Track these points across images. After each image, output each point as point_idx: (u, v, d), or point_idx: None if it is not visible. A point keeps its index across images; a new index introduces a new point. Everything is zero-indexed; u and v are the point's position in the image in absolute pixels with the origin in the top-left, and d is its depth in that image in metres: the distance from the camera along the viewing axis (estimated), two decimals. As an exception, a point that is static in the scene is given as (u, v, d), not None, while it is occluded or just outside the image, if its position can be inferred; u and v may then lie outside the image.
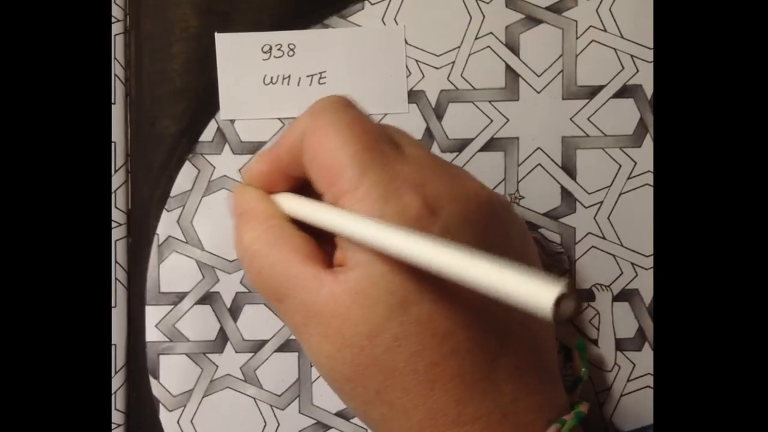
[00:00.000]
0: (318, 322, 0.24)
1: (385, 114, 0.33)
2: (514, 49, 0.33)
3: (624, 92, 0.33)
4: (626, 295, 0.33)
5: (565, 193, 0.33)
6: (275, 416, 0.33)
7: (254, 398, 0.33)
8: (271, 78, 0.33)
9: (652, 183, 0.33)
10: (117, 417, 0.33)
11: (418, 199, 0.23)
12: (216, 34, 0.33)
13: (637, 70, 0.32)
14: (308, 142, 0.25)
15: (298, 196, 0.27)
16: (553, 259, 0.33)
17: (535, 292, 0.18)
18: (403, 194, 0.23)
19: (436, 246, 0.21)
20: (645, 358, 0.33)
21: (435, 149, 0.33)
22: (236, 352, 0.33)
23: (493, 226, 0.25)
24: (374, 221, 0.23)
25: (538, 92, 0.33)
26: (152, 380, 0.33)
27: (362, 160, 0.24)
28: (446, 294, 0.23)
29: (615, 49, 0.32)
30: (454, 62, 0.33)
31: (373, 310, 0.23)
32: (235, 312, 0.33)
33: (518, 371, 0.24)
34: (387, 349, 0.23)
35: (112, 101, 0.33)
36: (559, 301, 0.17)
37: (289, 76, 0.33)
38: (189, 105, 0.33)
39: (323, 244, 0.25)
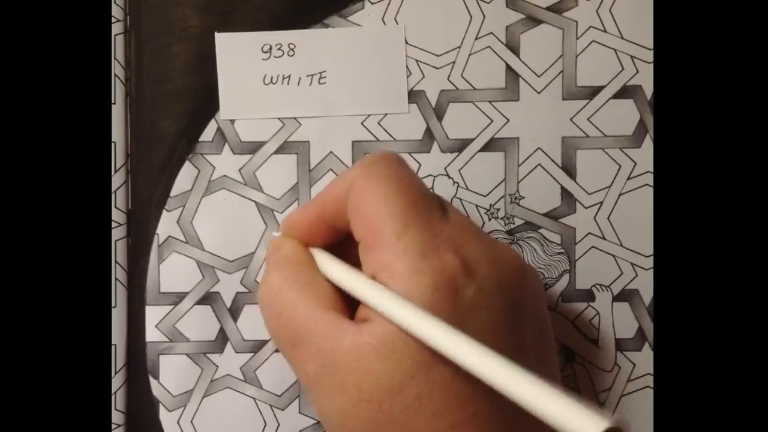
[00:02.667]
0: (334, 372, 0.23)
1: (385, 114, 0.33)
2: (514, 49, 0.33)
3: (624, 93, 0.33)
4: (626, 296, 0.33)
5: (565, 194, 0.33)
6: (275, 416, 0.33)
7: (254, 398, 0.33)
8: (271, 78, 0.33)
9: (652, 183, 0.33)
10: (117, 417, 0.33)
11: (456, 258, 0.23)
12: (216, 33, 0.33)
13: (637, 71, 0.32)
14: (355, 191, 0.25)
15: (333, 257, 0.26)
16: (553, 260, 0.33)
17: (583, 425, 0.18)
18: (442, 253, 0.23)
19: (472, 347, 0.21)
20: (645, 359, 0.33)
21: (435, 149, 0.33)
22: (236, 352, 0.33)
23: (524, 293, 0.25)
24: (405, 303, 0.22)
25: (539, 92, 0.33)
26: (152, 380, 0.33)
27: (407, 215, 0.24)
28: None
29: (615, 50, 0.32)
30: (454, 62, 0.33)
31: (398, 365, 0.22)
32: (235, 312, 0.33)
33: None
34: (407, 407, 0.22)
35: (112, 101, 0.33)
36: None
37: (289, 76, 0.33)
38: (189, 105, 0.33)
39: (349, 297, 0.25)
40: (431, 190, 0.33)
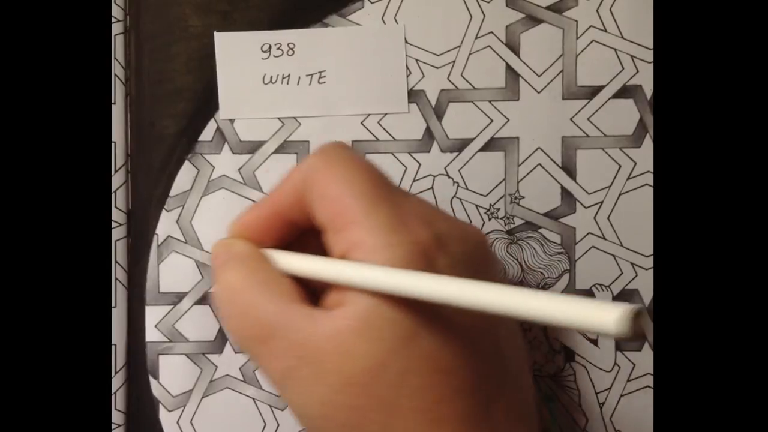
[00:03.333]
0: (312, 361, 0.23)
1: (385, 114, 0.33)
2: (514, 48, 0.33)
3: (624, 92, 0.33)
4: (626, 296, 0.33)
5: (565, 193, 0.33)
6: (275, 417, 0.33)
7: (253, 399, 0.33)
8: (271, 77, 0.33)
9: (651, 183, 0.33)
10: (117, 417, 0.33)
11: (429, 230, 0.23)
12: (215, 33, 0.33)
13: (637, 71, 0.32)
14: (315, 177, 0.25)
15: (289, 252, 0.26)
16: (553, 260, 0.33)
17: (604, 314, 0.17)
18: (413, 226, 0.23)
19: (476, 285, 0.20)
20: (645, 359, 0.33)
21: (435, 149, 0.33)
22: (236, 352, 0.33)
23: (489, 267, 0.25)
24: (386, 268, 0.22)
25: (539, 92, 0.33)
26: (152, 380, 0.33)
27: (373, 194, 0.24)
28: (450, 330, 0.23)
29: (615, 50, 0.32)
30: (454, 62, 0.33)
31: (380, 343, 0.22)
32: (234, 312, 0.33)
33: (510, 419, 0.24)
34: (390, 386, 0.22)
35: (112, 101, 0.33)
36: (631, 318, 0.17)
37: (289, 76, 0.33)
38: (188, 104, 0.33)
39: (310, 291, 0.25)
40: (431, 189, 0.33)
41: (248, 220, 0.27)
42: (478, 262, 0.25)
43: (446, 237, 0.24)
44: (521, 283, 0.33)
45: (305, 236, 0.26)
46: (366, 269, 0.22)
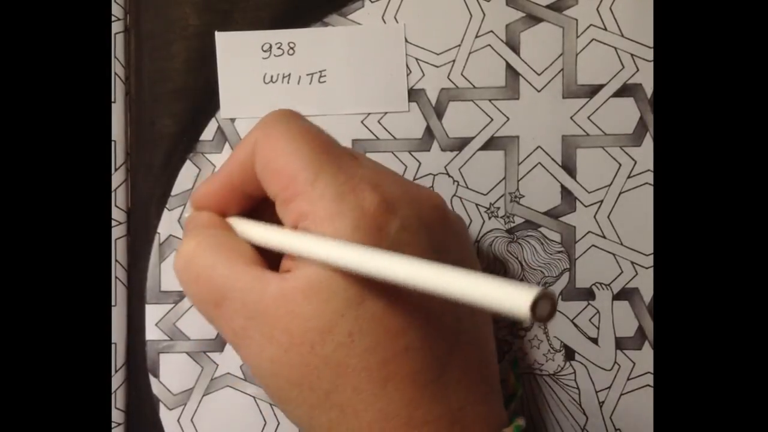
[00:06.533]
0: (262, 322, 0.23)
1: (386, 113, 0.33)
2: (514, 47, 0.33)
3: (624, 91, 0.33)
4: (626, 294, 0.33)
5: (565, 192, 0.33)
6: (275, 415, 0.33)
7: (254, 397, 0.33)
8: (271, 77, 0.33)
9: (652, 182, 0.33)
10: (117, 416, 0.33)
11: (376, 196, 0.23)
12: (216, 32, 0.33)
13: (638, 69, 0.32)
14: (260, 150, 0.25)
15: (248, 219, 0.26)
16: (553, 258, 0.33)
17: (513, 296, 0.18)
18: (360, 191, 0.23)
19: (402, 261, 0.20)
20: (645, 357, 0.33)
21: (435, 148, 0.33)
22: (236, 350, 0.33)
23: (446, 231, 0.25)
24: (330, 240, 0.22)
25: (539, 91, 0.33)
26: (152, 379, 0.33)
27: (317, 162, 0.24)
28: (400, 292, 0.23)
29: (615, 48, 0.32)
30: (454, 61, 0.33)
31: (328, 305, 0.22)
32: (235, 311, 0.33)
33: (466, 379, 0.24)
34: (339, 346, 0.22)
35: (112, 100, 0.33)
36: (536, 304, 0.18)
37: (289, 75, 0.33)
38: (189, 104, 0.33)
39: (269, 257, 0.25)
40: (431, 188, 0.33)
41: (205, 193, 0.27)
42: (432, 225, 0.24)
43: (396, 200, 0.24)
44: (521, 282, 0.33)
45: (264, 205, 0.26)
46: (309, 241, 0.23)
